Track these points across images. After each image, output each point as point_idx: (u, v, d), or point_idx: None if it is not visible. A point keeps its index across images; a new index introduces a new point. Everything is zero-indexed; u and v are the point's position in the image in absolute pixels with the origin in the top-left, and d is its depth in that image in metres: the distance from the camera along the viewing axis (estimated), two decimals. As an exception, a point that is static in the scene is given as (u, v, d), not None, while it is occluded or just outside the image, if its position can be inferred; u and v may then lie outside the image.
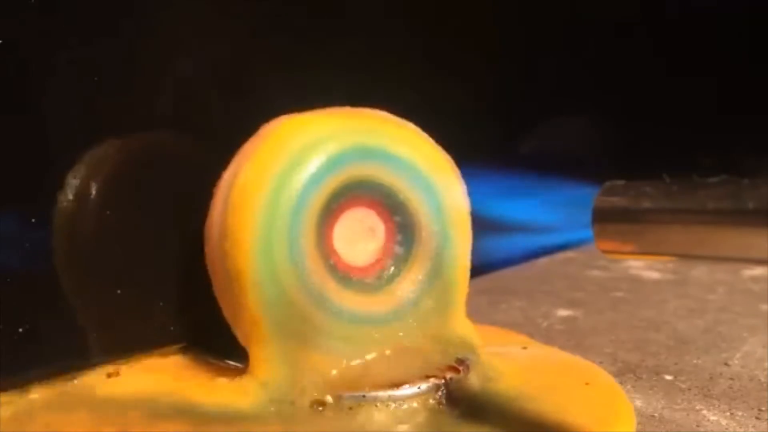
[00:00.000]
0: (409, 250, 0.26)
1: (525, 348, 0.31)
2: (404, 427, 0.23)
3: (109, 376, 0.25)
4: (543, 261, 0.51)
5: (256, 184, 0.23)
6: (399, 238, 0.26)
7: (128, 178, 0.26)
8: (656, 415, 0.26)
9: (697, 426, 0.25)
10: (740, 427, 0.25)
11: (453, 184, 0.27)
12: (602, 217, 0.23)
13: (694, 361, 0.31)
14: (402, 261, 0.26)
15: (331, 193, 0.25)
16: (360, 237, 0.26)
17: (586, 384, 0.27)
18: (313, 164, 0.24)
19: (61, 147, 0.25)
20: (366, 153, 0.25)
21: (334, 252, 0.25)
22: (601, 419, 0.24)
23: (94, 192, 0.25)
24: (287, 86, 0.30)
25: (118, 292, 0.26)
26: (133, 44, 0.26)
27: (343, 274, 0.25)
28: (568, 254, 0.52)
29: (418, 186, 0.26)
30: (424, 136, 0.27)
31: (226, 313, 0.25)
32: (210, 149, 0.27)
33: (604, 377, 0.28)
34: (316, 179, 0.24)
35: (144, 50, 0.26)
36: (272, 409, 0.23)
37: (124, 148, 0.26)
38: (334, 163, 0.24)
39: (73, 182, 0.25)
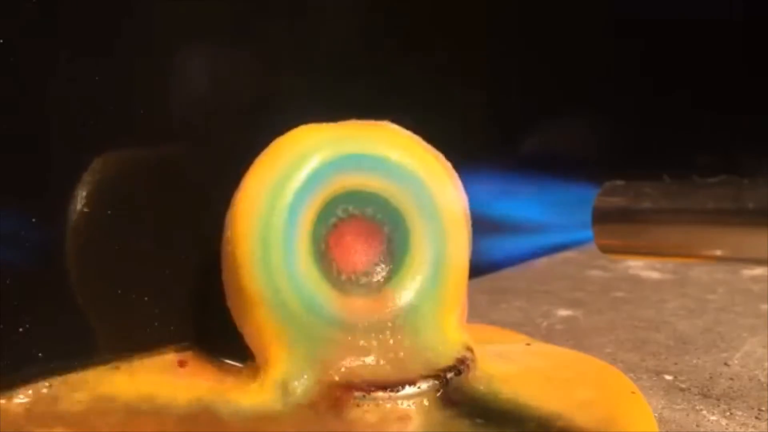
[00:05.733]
0: (405, 254, 0.26)
1: (528, 345, 0.31)
2: (404, 427, 0.23)
3: (115, 374, 0.25)
4: (543, 261, 0.50)
5: (253, 195, 0.25)
6: (395, 243, 0.26)
7: (134, 180, 0.26)
8: (656, 415, 0.26)
9: (697, 426, 0.25)
10: (740, 427, 0.25)
11: (448, 186, 0.27)
12: (602, 217, 0.23)
13: (694, 361, 0.31)
14: (399, 265, 0.26)
15: (324, 201, 0.25)
16: (356, 243, 0.26)
17: (591, 381, 0.27)
18: (304, 174, 0.25)
19: (67, 148, 0.25)
20: (358, 161, 0.26)
21: (331, 258, 0.26)
22: (607, 417, 0.24)
23: (100, 194, 0.25)
24: (294, 100, 0.30)
25: (123, 292, 0.26)
26: (140, 50, 0.26)
27: (340, 280, 0.25)
28: (568, 254, 0.52)
29: (412, 190, 0.26)
30: (417, 139, 0.27)
31: (234, 315, 0.25)
32: (218, 157, 0.28)
33: (611, 373, 0.28)
34: (307, 188, 0.25)
35: (154, 57, 0.27)
36: (273, 409, 0.23)
37: (133, 151, 0.26)
38: (324, 172, 0.25)
39: (78, 184, 0.25)
